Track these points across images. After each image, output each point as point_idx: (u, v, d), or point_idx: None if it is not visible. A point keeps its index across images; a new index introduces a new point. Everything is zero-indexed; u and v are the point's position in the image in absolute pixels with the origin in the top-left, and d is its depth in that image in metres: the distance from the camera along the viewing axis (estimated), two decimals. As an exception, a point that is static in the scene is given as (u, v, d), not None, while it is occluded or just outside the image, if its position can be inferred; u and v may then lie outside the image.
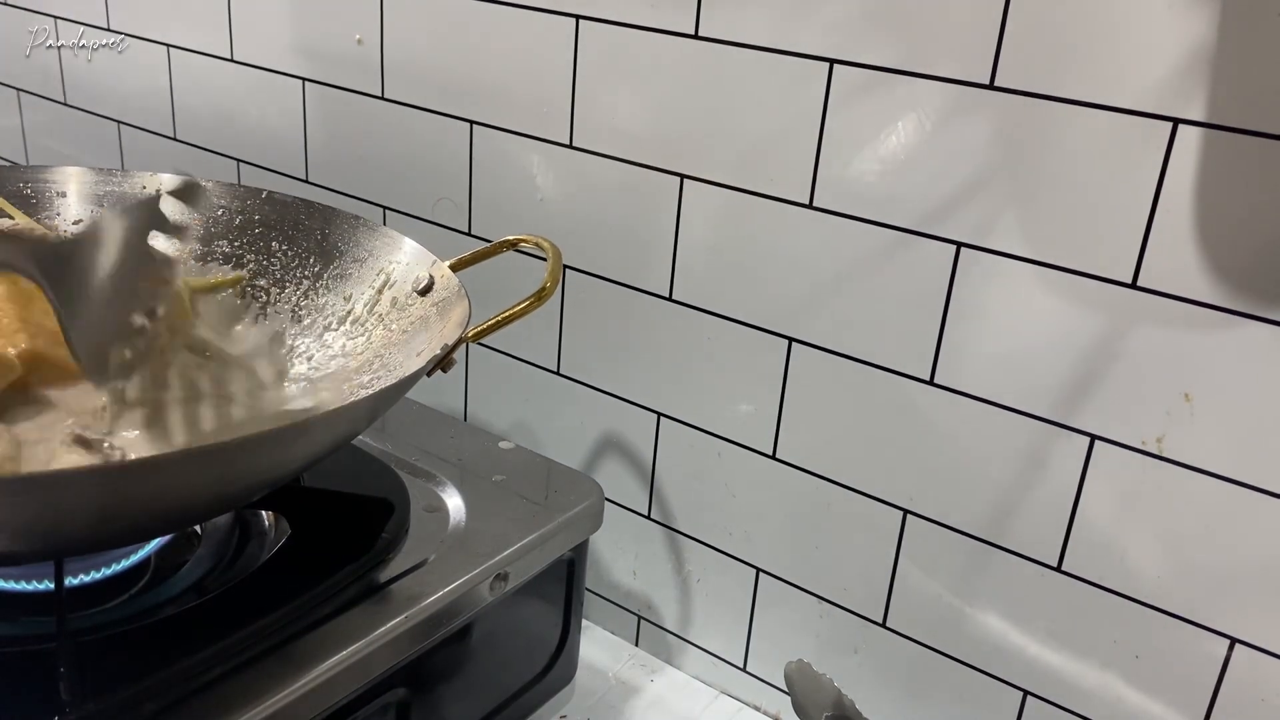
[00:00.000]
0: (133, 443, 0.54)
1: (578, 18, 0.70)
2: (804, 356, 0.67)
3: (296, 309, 0.68)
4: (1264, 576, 0.55)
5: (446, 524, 0.63)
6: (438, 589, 0.57)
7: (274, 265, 0.69)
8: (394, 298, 0.65)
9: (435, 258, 0.64)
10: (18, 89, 1.11)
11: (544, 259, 0.61)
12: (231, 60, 0.91)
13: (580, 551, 0.68)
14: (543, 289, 0.59)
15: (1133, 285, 0.55)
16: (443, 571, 0.58)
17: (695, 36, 0.66)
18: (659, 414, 0.75)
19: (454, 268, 0.63)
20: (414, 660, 0.56)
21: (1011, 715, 0.65)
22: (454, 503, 0.65)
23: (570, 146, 0.73)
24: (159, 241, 0.63)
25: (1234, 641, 0.57)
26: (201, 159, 0.97)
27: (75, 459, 0.51)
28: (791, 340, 0.68)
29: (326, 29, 0.83)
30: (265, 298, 0.68)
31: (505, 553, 0.61)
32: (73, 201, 0.70)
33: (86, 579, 0.57)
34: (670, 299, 0.72)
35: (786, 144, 0.64)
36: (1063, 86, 0.55)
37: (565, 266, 0.76)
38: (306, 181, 0.89)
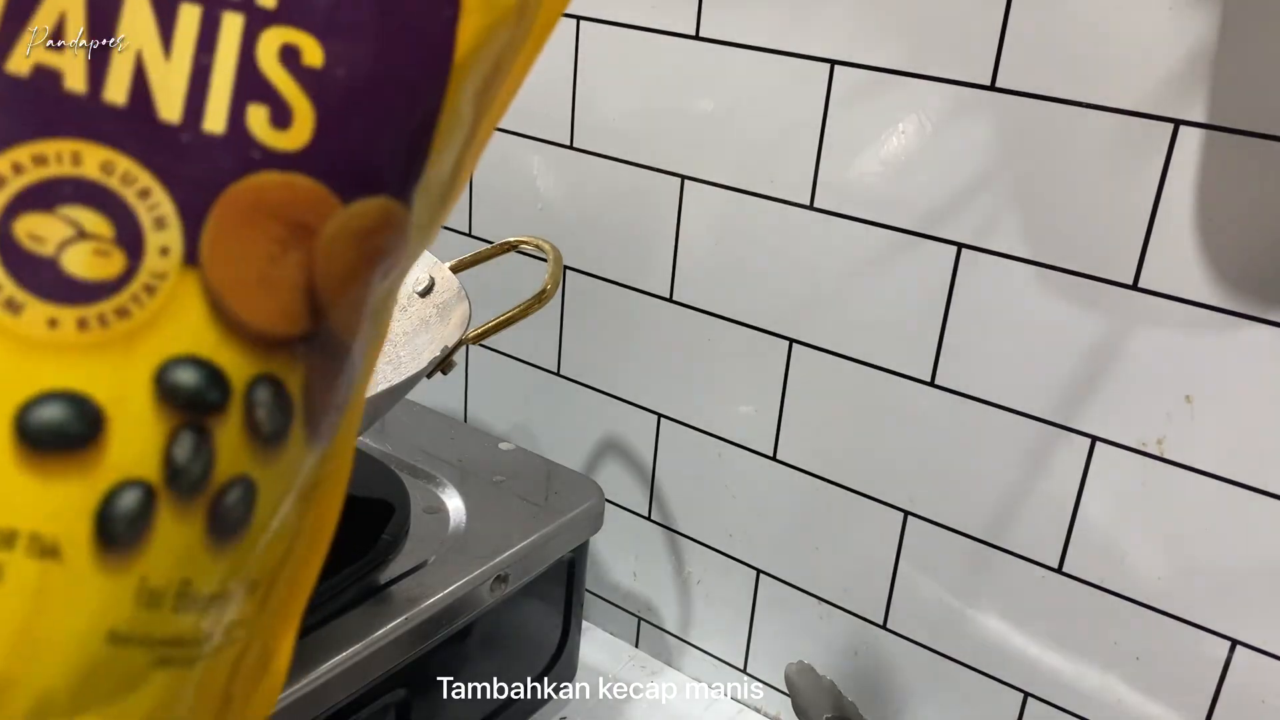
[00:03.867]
0: None
1: (578, 18, 0.70)
2: (805, 357, 0.67)
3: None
4: (1265, 578, 0.55)
5: (446, 525, 0.63)
6: (438, 590, 0.57)
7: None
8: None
9: (436, 259, 0.64)
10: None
11: (544, 260, 0.61)
12: (231, 61, 0.91)
13: (580, 553, 0.68)
14: (543, 291, 0.59)
15: (1133, 287, 0.55)
16: (443, 573, 0.58)
17: (695, 37, 0.66)
18: (659, 415, 0.75)
19: (454, 269, 0.63)
20: (414, 661, 0.56)
21: (1012, 717, 0.65)
22: (454, 504, 0.65)
23: (570, 147, 0.73)
24: None
25: (1235, 643, 0.57)
26: (201, 159, 0.96)
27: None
28: (792, 341, 0.68)
29: (326, 29, 0.83)
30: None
31: (505, 554, 0.61)
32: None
33: (86, 580, 0.56)
34: (670, 300, 0.72)
35: (787, 145, 0.64)
36: (1064, 87, 0.55)
37: (566, 267, 0.76)
38: (306, 182, 0.89)
